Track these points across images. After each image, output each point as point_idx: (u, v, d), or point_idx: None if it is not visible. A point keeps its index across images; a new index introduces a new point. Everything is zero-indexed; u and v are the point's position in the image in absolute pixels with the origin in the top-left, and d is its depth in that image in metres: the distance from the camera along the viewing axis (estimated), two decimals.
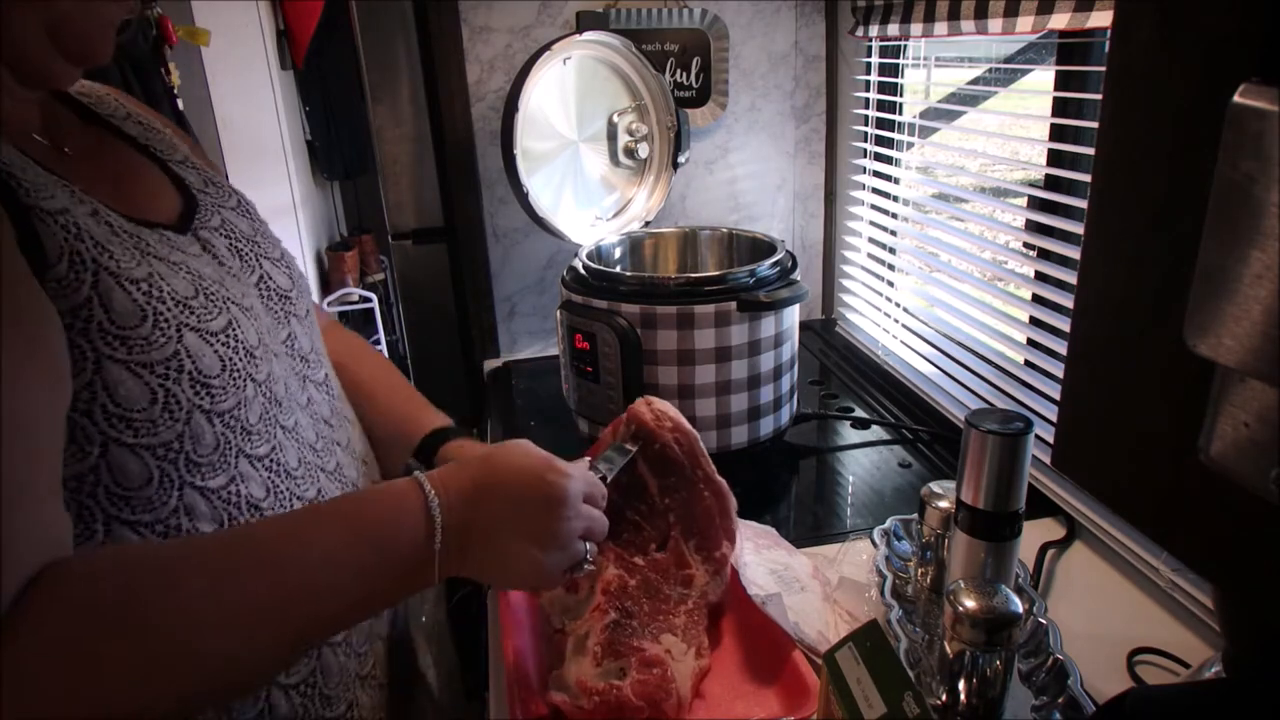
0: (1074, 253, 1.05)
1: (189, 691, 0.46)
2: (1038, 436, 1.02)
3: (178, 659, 0.45)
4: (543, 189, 1.46)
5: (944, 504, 0.81)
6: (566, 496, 0.62)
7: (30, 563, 0.42)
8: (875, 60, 1.56)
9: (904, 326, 1.53)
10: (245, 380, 0.57)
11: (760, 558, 0.91)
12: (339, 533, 0.54)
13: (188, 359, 0.52)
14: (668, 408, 0.83)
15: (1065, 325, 1.06)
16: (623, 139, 1.54)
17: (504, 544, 0.60)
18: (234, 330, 0.57)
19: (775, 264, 1.16)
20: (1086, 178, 1.02)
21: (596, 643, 0.74)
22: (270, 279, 0.67)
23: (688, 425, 0.83)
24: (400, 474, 0.69)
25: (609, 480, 0.74)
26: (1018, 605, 0.65)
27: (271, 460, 0.60)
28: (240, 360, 0.56)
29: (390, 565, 0.55)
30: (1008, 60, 1.79)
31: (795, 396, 1.25)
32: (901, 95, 1.53)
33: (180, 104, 1.25)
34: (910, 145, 1.49)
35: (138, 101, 0.72)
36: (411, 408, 0.87)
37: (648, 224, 1.58)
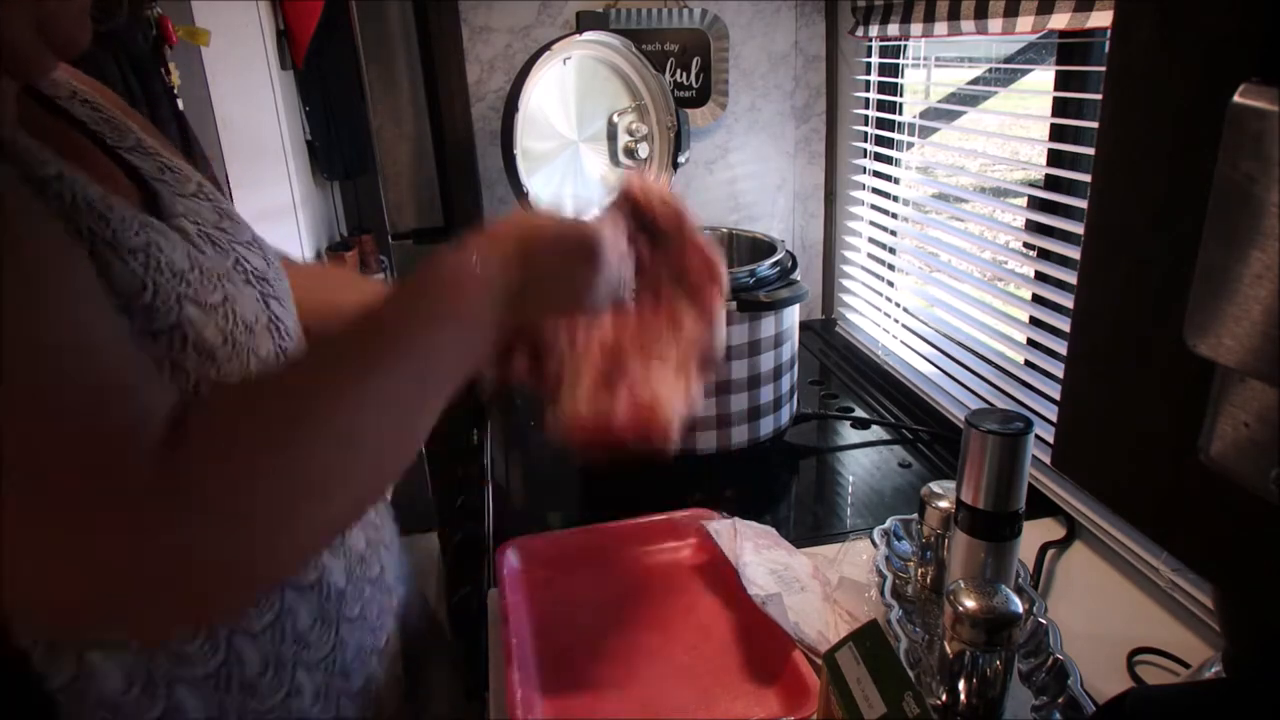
0: (1074, 253, 1.05)
1: (365, 479, 0.48)
2: (1038, 436, 1.02)
3: (347, 439, 0.46)
4: (543, 189, 1.46)
5: (944, 504, 0.81)
6: (601, 237, 0.65)
7: (159, 402, 0.41)
8: (875, 60, 1.56)
9: (904, 326, 1.53)
10: (248, 355, 0.57)
11: (760, 558, 0.91)
12: (404, 306, 0.55)
13: (190, 328, 0.52)
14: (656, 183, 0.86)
15: (1065, 325, 1.06)
16: (623, 139, 1.54)
17: (554, 278, 0.63)
18: (231, 305, 0.57)
19: (775, 264, 1.16)
20: (1086, 178, 1.02)
21: (589, 381, 0.75)
22: (246, 262, 0.65)
23: (674, 197, 0.86)
24: None
25: None
26: (1018, 605, 0.65)
27: None
28: (240, 335, 0.57)
29: (464, 319, 0.57)
30: (1008, 60, 1.79)
31: (795, 396, 1.25)
32: (901, 95, 1.53)
33: (180, 104, 1.25)
34: (910, 145, 1.49)
35: (81, 75, 0.69)
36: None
37: None
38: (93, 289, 0.45)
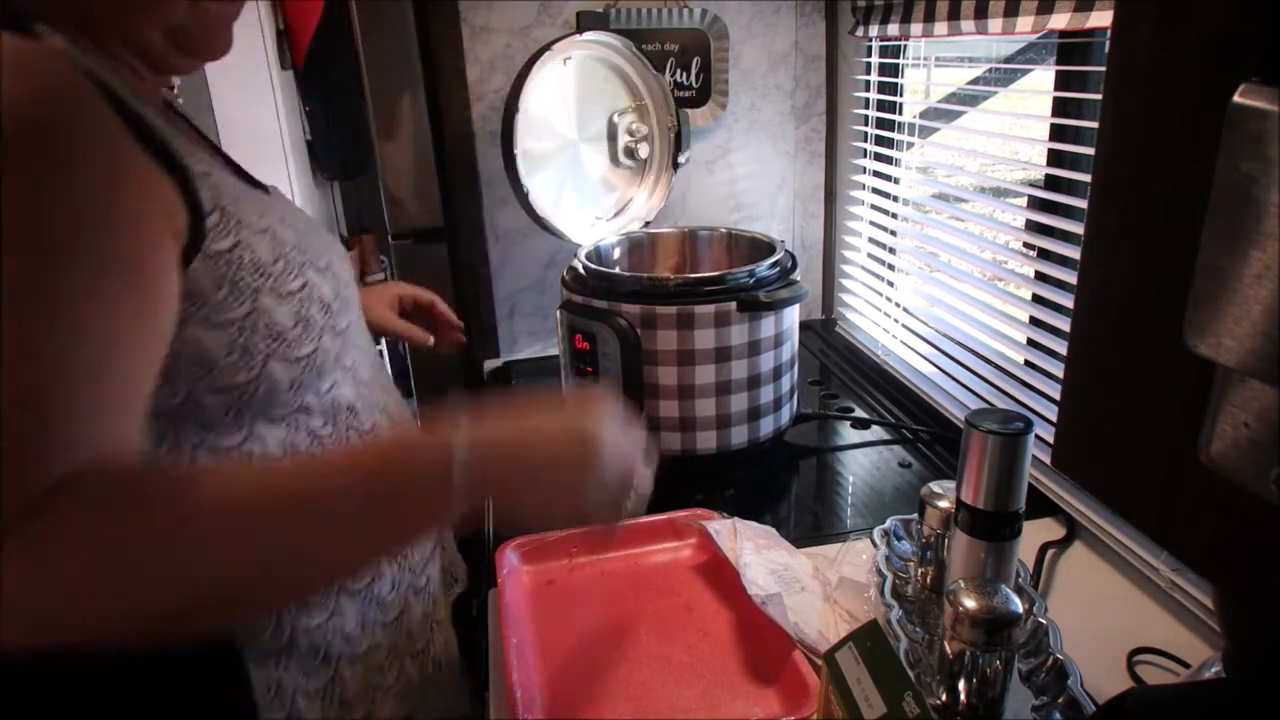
0: (1074, 253, 1.05)
1: (190, 602, 0.48)
2: (1038, 436, 1.02)
3: (184, 567, 0.47)
4: (543, 189, 1.46)
5: (944, 504, 0.81)
6: (599, 455, 0.60)
7: (64, 461, 0.44)
8: (875, 60, 1.56)
9: (904, 326, 1.53)
10: (344, 313, 0.69)
11: (760, 558, 0.91)
12: (362, 479, 0.54)
13: (307, 290, 0.63)
14: None
15: (1065, 325, 1.06)
16: (623, 139, 1.54)
17: (539, 496, 0.60)
18: (331, 269, 0.68)
19: (775, 264, 1.16)
20: (1086, 178, 1.02)
21: None
22: (338, 258, 0.74)
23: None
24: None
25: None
26: (1018, 605, 0.65)
27: (332, 398, 0.68)
28: (322, 312, 0.66)
29: (409, 520, 0.58)
30: (1008, 60, 1.79)
31: (795, 396, 1.25)
32: (901, 95, 1.53)
33: (180, 104, 1.25)
34: (910, 145, 1.49)
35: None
36: None
37: (648, 224, 1.58)
38: (140, 313, 0.50)
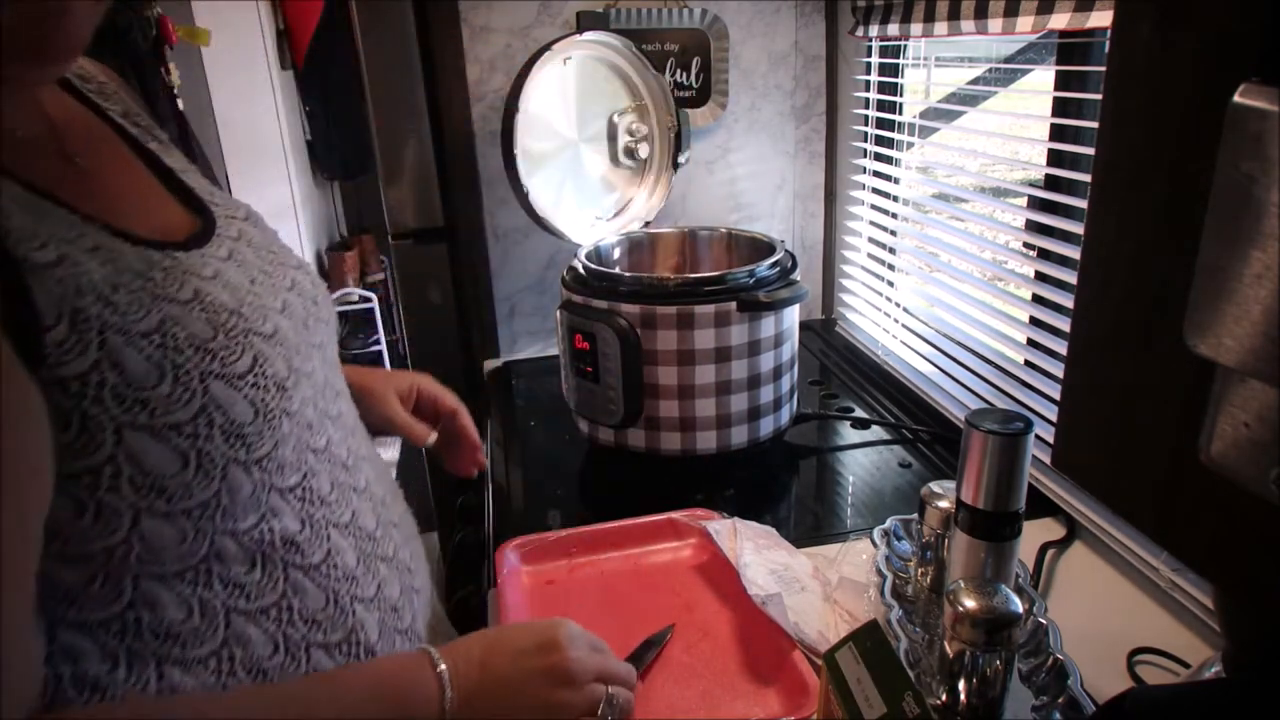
0: (1074, 253, 1.05)
1: None
2: (1038, 436, 1.02)
3: None
4: (543, 189, 1.46)
5: (944, 504, 0.81)
6: (568, 666, 0.62)
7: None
8: (875, 60, 1.56)
9: (904, 326, 1.53)
10: (280, 417, 0.53)
11: (760, 558, 0.91)
12: (352, 703, 0.54)
13: (217, 411, 0.49)
14: None
15: (1065, 325, 1.06)
16: (623, 139, 1.54)
17: (514, 705, 0.61)
18: (261, 366, 0.52)
19: (775, 264, 1.16)
20: (1086, 178, 1.02)
21: None
22: (299, 284, 0.63)
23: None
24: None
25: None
26: (1018, 605, 0.65)
27: (304, 490, 0.57)
28: (272, 398, 0.53)
29: None
30: (1008, 60, 1.79)
31: (795, 396, 1.25)
32: (901, 95, 1.53)
33: (180, 104, 1.25)
34: (910, 145, 1.49)
35: (132, 92, 0.66)
36: None
37: (648, 224, 1.58)
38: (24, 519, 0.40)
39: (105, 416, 0.44)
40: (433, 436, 0.90)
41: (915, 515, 0.85)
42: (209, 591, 0.51)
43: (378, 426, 0.87)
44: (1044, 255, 1.13)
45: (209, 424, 0.48)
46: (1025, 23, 1.03)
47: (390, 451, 1.73)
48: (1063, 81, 1.09)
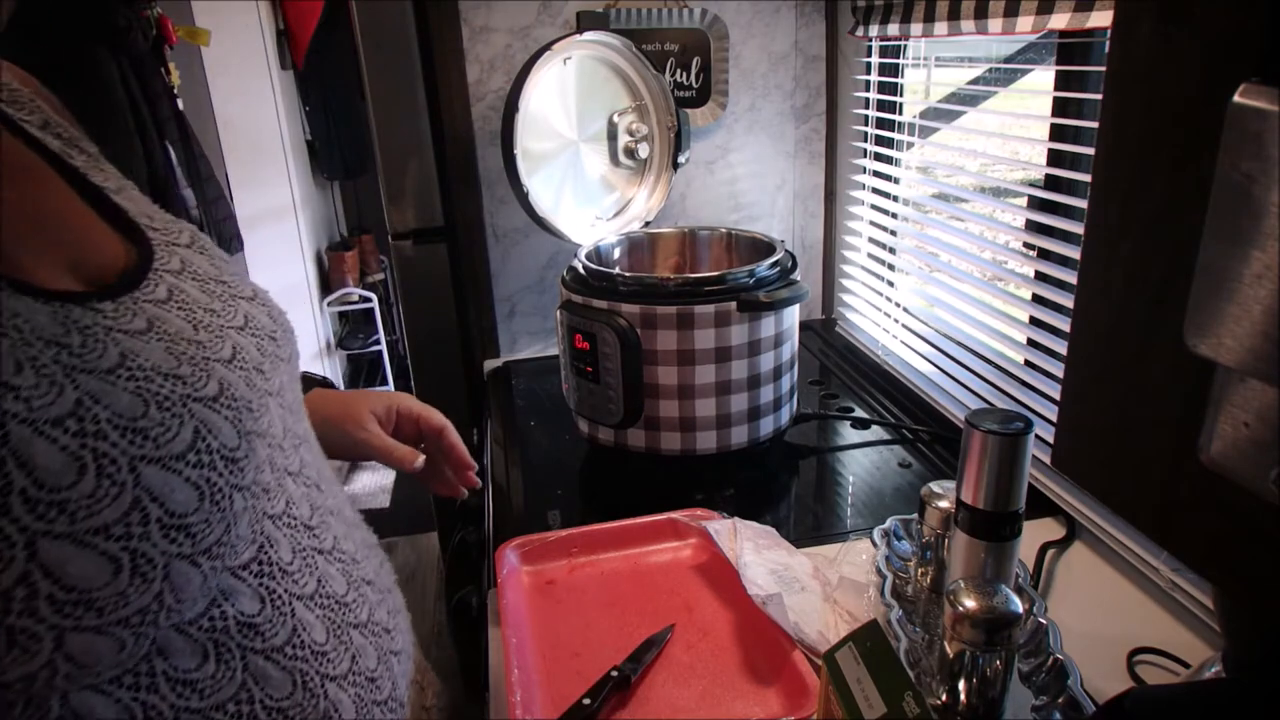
0: (1074, 253, 1.05)
1: None
2: (1038, 436, 1.02)
3: None
4: (543, 189, 1.46)
5: (944, 504, 0.81)
6: None
7: None
8: (875, 60, 1.56)
9: (904, 326, 1.53)
10: (230, 494, 0.46)
11: (760, 558, 0.91)
12: None
13: (153, 503, 0.40)
14: None
15: (1065, 325, 1.06)
16: (623, 139, 1.54)
17: None
18: (204, 440, 0.44)
19: (775, 264, 1.16)
20: (1086, 178, 1.02)
21: None
22: (253, 320, 0.55)
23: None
24: None
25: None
26: (1018, 605, 0.65)
27: (261, 563, 0.49)
28: (220, 475, 0.45)
29: None
30: (1008, 60, 1.79)
31: (795, 396, 1.25)
32: (901, 95, 1.53)
33: (180, 104, 1.25)
34: (910, 145, 1.49)
35: (51, 99, 0.56)
36: None
37: (648, 224, 1.58)
38: None
39: (14, 528, 0.36)
40: (420, 459, 0.82)
41: (915, 515, 0.85)
42: (154, 695, 0.43)
43: (355, 453, 0.80)
44: (1044, 255, 1.13)
45: (144, 519, 0.40)
46: (1025, 23, 1.03)
47: None
48: (1063, 81, 1.09)
